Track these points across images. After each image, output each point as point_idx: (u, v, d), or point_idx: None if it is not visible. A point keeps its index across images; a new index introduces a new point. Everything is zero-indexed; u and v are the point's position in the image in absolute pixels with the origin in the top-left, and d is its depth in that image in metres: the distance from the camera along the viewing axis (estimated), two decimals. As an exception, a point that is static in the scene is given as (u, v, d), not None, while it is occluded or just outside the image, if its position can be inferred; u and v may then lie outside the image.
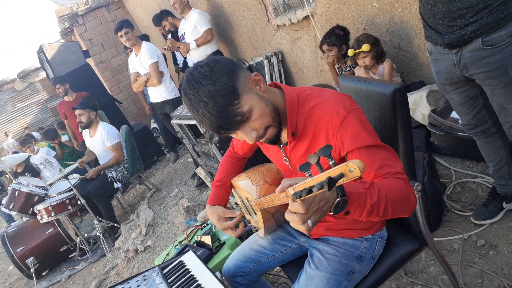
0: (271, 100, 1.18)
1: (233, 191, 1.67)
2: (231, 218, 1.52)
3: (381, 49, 2.69)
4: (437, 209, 2.11)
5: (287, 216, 0.89)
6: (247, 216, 1.68)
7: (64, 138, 5.59)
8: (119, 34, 4.19)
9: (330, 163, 0.80)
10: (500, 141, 1.87)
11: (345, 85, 1.56)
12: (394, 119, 1.29)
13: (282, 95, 1.24)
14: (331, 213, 0.91)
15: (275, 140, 1.22)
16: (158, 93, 4.43)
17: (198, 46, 4.32)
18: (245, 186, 1.50)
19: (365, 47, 2.60)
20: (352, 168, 0.75)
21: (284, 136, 1.26)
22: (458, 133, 2.33)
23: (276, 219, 1.53)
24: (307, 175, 0.84)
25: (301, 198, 0.81)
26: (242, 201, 1.61)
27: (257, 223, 1.56)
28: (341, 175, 0.76)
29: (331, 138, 1.15)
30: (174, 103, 4.35)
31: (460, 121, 1.99)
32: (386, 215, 0.99)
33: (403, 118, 1.28)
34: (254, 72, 1.16)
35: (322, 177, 0.78)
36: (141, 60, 4.28)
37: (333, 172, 0.77)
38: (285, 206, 1.37)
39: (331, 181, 0.75)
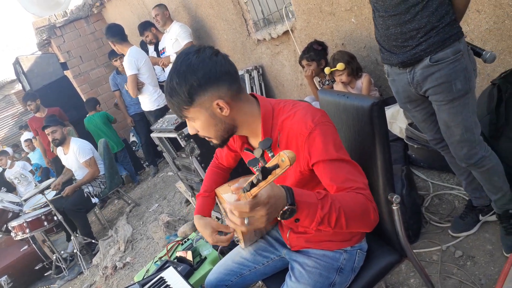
0: (230, 123, 1.24)
1: (217, 200, 1.66)
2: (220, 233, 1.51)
3: (357, 65, 2.74)
4: (415, 221, 2.14)
5: (230, 211, 0.94)
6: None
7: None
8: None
9: (269, 155, 0.87)
10: None
11: (325, 99, 1.58)
12: (372, 133, 1.31)
13: (259, 106, 1.28)
14: (279, 218, 0.95)
15: (219, 146, 1.32)
16: (143, 103, 4.42)
17: None
18: (226, 195, 1.51)
19: (340, 66, 2.66)
20: (283, 157, 0.81)
21: (254, 143, 1.34)
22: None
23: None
24: (255, 170, 0.88)
25: (248, 195, 0.88)
26: (225, 211, 1.60)
27: (237, 232, 1.55)
28: (276, 166, 0.82)
29: (300, 149, 1.18)
30: (157, 114, 4.27)
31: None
32: (340, 227, 1.02)
33: (381, 131, 1.30)
34: (225, 99, 1.18)
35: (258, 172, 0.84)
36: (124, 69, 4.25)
37: (271, 163, 0.83)
38: None
39: (264, 170, 0.82)
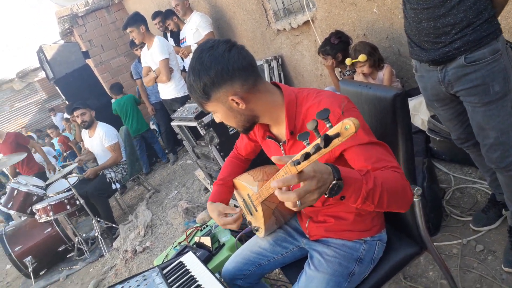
0: (249, 114, 1.27)
1: (234, 192, 1.68)
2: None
3: (378, 56, 2.71)
4: (436, 214, 2.13)
5: (281, 194, 0.88)
6: (248, 217, 1.69)
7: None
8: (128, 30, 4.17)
9: (327, 125, 0.80)
10: None
11: (346, 90, 1.58)
12: (394, 124, 1.31)
13: (282, 94, 1.30)
14: (326, 195, 0.91)
15: (244, 133, 1.39)
16: (168, 90, 4.42)
17: None
18: (247, 182, 1.53)
19: (361, 57, 2.62)
20: (347, 125, 0.76)
21: (283, 133, 1.32)
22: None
23: (276, 216, 1.53)
24: (305, 144, 0.84)
25: (299, 170, 0.83)
26: (244, 200, 1.63)
27: (257, 221, 1.57)
28: (337, 134, 0.77)
29: None
30: (183, 101, 4.28)
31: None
32: (381, 205, 1.00)
33: (403, 122, 1.29)
34: (240, 94, 1.20)
35: (319, 141, 0.79)
36: (152, 55, 4.24)
37: (332, 131, 0.78)
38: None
39: (327, 138, 0.76)
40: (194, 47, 4.32)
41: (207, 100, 1.23)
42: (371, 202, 0.98)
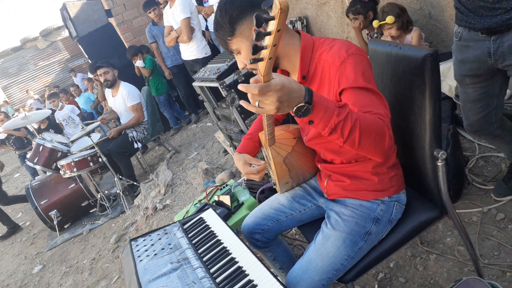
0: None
1: (262, 149, 1.70)
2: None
3: (407, 19, 2.60)
4: (458, 181, 2.10)
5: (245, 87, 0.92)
6: (270, 173, 1.71)
7: (139, 63, 5.52)
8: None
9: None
10: (507, 138, 1.79)
11: (376, 50, 1.53)
12: (423, 85, 1.26)
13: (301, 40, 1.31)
14: (293, 114, 0.95)
15: None
16: (189, 51, 4.38)
17: None
18: (262, 132, 1.56)
19: (389, 19, 2.53)
20: (276, 5, 0.76)
21: (295, 79, 1.32)
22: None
23: (288, 166, 1.52)
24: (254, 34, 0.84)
25: (262, 73, 0.87)
26: (267, 156, 1.64)
27: (273, 173, 1.58)
28: (272, 17, 0.78)
29: (332, 80, 1.19)
30: (205, 62, 4.25)
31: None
32: (352, 142, 1.00)
33: (433, 84, 1.25)
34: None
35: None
36: (174, 14, 4.17)
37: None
38: (297, 153, 1.47)
39: (258, 17, 0.77)
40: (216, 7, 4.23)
41: (232, 35, 1.28)
42: (340, 134, 0.98)
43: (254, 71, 1.36)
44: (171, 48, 5.30)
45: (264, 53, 0.84)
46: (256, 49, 0.82)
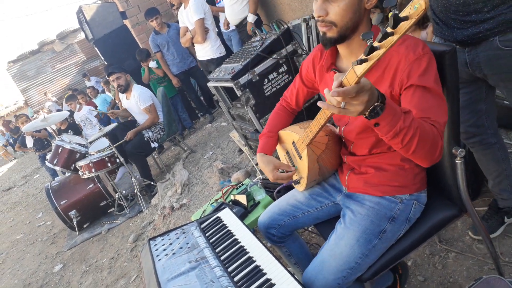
0: (359, 20, 1.21)
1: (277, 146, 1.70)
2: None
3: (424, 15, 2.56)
4: (477, 179, 2.07)
5: (330, 95, 0.90)
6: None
7: (152, 64, 5.57)
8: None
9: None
10: (499, 153, 1.72)
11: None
12: (441, 82, 1.25)
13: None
14: (366, 115, 0.95)
15: (325, 44, 1.25)
16: (204, 51, 4.41)
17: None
18: (293, 130, 1.55)
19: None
20: (417, 4, 0.72)
21: (348, 64, 1.30)
22: (504, 102, 2.23)
23: (320, 166, 1.52)
24: (368, 43, 0.81)
25: (358, 75, 0.83)
26: (287, 152, 1.64)
27: (300, 171, 1.58)
28: (406, 17, 0.73)
29: (399, 72, 1.16)
30: (219, 62, 4.27)
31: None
32: (408, 148, 1.03)
33: (451, 81, 1.24)
34: None
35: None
36: (188, 15, 4.21)
37: (402, 14, 0.75)
38: (329, 151, 1.45)
39: (396, 18, 0.73)
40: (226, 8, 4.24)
41: None
42: (401, 140, 1.00)
43: (326, 29, 1.21)
44: (176, 55, 5.37)
45: (374, 55, 0.81)
46: (372, 50, 0.78)
